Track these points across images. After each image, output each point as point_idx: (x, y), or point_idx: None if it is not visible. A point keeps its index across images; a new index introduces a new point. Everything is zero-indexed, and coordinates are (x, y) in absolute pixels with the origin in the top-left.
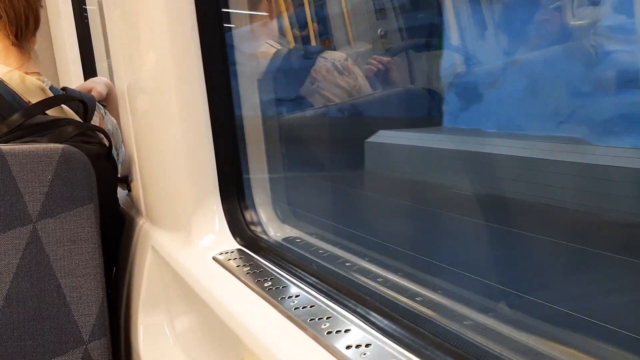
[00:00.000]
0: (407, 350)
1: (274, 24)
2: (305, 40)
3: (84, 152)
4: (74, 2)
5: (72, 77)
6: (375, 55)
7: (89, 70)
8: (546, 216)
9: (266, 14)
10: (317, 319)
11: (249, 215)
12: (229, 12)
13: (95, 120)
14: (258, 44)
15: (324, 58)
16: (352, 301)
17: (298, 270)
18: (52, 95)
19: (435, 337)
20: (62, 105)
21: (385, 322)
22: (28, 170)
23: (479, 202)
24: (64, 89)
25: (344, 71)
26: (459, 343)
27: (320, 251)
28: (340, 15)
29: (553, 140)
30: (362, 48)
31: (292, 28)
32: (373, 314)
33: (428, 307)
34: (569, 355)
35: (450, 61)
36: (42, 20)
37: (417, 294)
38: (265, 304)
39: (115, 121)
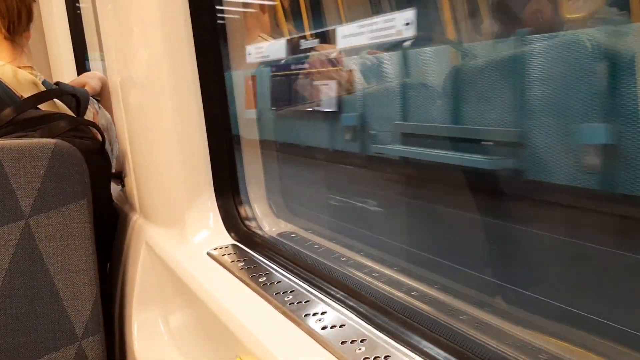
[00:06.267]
0: (404, 346)
1: (267, 17)
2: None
3: (77, 147)
4: None
5: (65, 72)
6: None
7: (82, 64)
8: None
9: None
10: (311, 314)
11: (243, 210)
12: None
13: (89, 115)
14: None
15: (317, 51)
16: (347, 296)
17: (293, 265)
18: (45, 89)
19: (432, 332)
20: (55, 100)
21: (382, 317)
22: (20, 165)
23: None
24: (57, 83)
25: (337, 64)
26: (457, 340)
27: (316, 246)
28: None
29: None
30: None
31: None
32: (369, 309)
33: (424, 304)
34: None
35: None
36: (35, 14)
37: (413, 289)
38: (260, 299)
39: (109, 116)
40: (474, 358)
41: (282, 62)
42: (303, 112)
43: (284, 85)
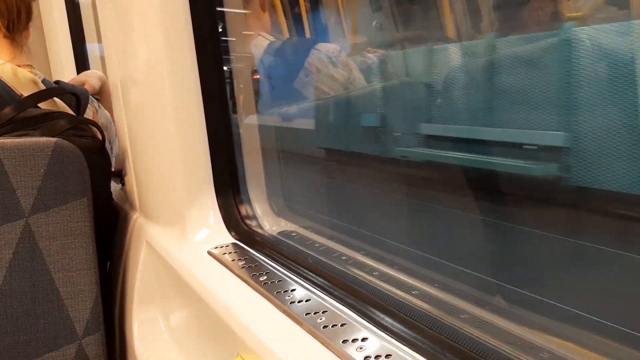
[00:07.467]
0: (406, 345)
1: (267, 16)
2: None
3: (77, 146)
4: None
5: (65, 71)
6: None
7: (82, 63)
8: None
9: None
10: (313, 313)
11: (244, 209)
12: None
13: (89, 114)
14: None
15: (318, 50)
16: (349, 295)
17: (294, 264)
18: (45, 88)
19: (433, 331)
20: (55, 99)
21: (383, 316)
22: (20, 164)
23: None
24: (56, 82)
25: (337, 63)
26: (458, 338)
27: (316, 245)
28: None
29: None
30: None
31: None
32: (370, 308)
33: (424, 302)
34: None
35: None
36: (35, 13)
37: (413, 287)
38: (261, 298)
39: (109, 115)
40: (477, 357)
41: None
42: None
43: None
